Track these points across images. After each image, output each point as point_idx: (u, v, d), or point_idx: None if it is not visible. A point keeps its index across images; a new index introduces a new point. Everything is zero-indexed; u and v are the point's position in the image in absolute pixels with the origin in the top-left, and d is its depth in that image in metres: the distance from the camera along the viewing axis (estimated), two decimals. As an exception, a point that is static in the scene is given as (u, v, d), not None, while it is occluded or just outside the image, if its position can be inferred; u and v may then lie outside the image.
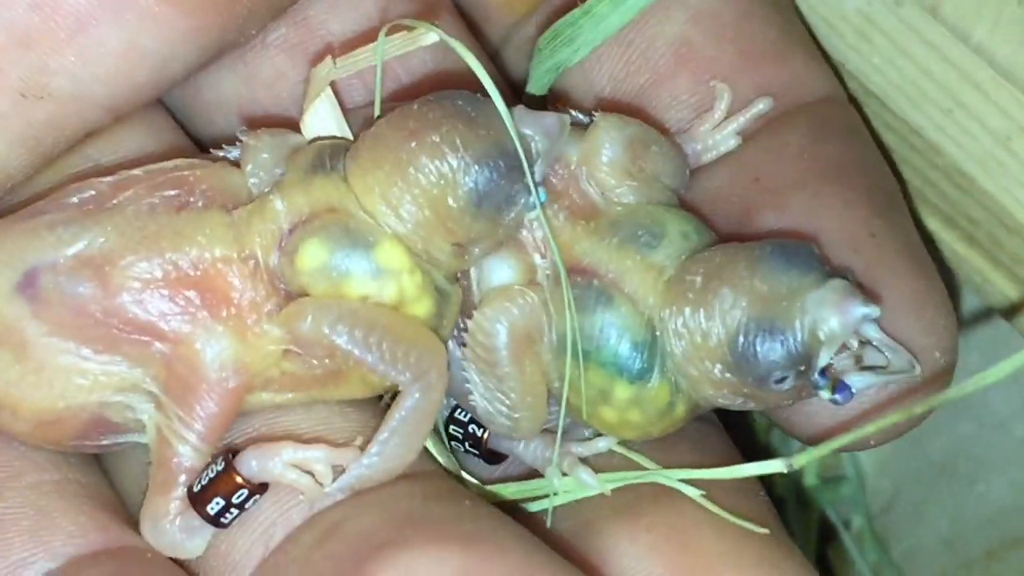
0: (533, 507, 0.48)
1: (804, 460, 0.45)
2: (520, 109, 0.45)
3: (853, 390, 0.45)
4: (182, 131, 0.52)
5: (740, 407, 0.46)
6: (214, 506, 0.45)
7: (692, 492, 0.46)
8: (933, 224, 0.55)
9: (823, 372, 0.44)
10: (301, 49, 0.51)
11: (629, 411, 0.46)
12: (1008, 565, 0.63)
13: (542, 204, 0.45)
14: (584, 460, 0.47)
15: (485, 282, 0.46)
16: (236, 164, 0.46)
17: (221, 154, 0.47)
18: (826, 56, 0.54)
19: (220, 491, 0.45)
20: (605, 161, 0.47)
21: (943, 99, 0.52)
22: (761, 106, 0.50)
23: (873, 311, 0.43)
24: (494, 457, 0.49)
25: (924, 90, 0.53)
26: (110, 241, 0.44)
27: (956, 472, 0.64)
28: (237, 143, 0.47)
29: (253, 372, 0.45)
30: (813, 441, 0.47)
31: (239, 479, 0.45)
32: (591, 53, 0.51)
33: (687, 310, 0.45)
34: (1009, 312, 0.55)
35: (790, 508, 0.67)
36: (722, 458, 0.47)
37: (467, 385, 0.46)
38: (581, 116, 0.48)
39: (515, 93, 0.53)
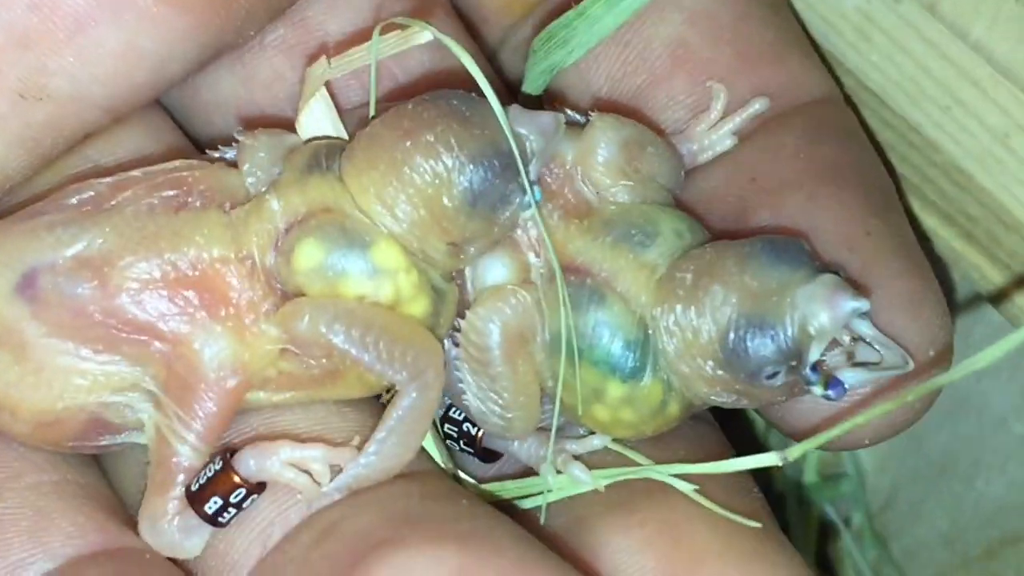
0: (527, 504, 0.48)
1: (798, 452, 0.44)
2: (515, 108, 0.45)
3: (846, 386, 0.44)
4: (180, 132, 0.52)
5: (734, 405, 0.46)
6: (212, 505, 0.45)
7: (685, 487, 0.46)
8: (931, 221, 0.55)
9: (815, 368, 0.44)
10: (299, 50, 0.51)
11: (622, 410, 0.46)
12: (1007, 562, 0.63)
13: (537, 203, 0.45)
14: (578, 457, 0.47)
15: (479, 281, 0.46)
16: (233, 164, 0.46)
17: (218, 154, 0.47)
18: (824, 53, 0.54)
19: (218, 490, 0.45)
20: (601, 161, 0.47)
21: (941, 96, 0.52)
22: (757, 106, 0.50)
23: (863, 305, 0.43)
24: (489, 455, 0.49)
25: (922, 87, 0.53)
26: (109, 242, 0.44)
27: (956, 470, 0.64)
28: (234, 143, 0.47)
29: (251, 372, 0.45)
30: (808, 438, 0.47)
31: (237, 478, 0.45)
32: (587, 54, 0.51)
33: (678, 307, 0.45)
34: (1006, 309, 0.54)
35: (790, 505, 0.67)
36: (717, 457, 0.47)
37: (460, 385, 0.46)
38: (576, 116, 0.48)
39: (512, 93, 0.53)
